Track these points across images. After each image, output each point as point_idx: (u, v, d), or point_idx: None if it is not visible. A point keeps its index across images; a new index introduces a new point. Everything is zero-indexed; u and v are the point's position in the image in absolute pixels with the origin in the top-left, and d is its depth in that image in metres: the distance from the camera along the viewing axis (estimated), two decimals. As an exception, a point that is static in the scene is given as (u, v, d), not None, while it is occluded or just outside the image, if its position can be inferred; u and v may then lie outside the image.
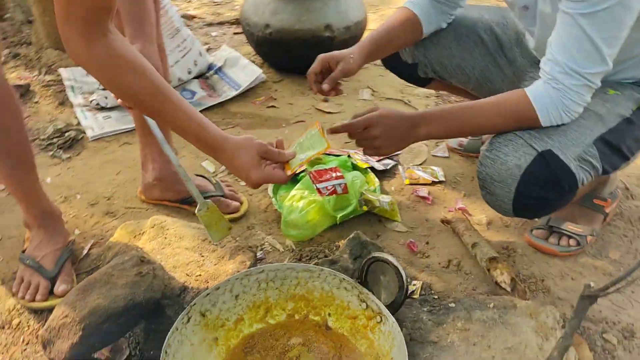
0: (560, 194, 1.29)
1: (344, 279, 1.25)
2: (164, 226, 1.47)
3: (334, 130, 1.35)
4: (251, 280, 1.27)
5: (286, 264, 1.29)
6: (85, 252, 1.58)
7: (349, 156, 1.87)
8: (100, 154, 1.96)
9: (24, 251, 1.46)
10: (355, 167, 1.84)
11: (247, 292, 1.27)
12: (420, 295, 1.45)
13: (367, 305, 1.23)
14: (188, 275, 1.34)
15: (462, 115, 1.33)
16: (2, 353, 1.29)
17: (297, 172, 1.26)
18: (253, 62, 2.50)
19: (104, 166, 1.90)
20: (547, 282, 1.47)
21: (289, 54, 2.31)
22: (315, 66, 1.51)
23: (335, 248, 1.56)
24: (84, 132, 2.03)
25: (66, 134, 1.96)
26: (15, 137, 1.34)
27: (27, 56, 2.35)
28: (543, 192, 1.27)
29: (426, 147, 2.01)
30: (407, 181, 1.85)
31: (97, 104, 2.11)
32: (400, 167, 1.91)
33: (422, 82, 1.81)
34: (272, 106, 2.25)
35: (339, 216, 1.61)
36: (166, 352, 1.10)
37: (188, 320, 1.17)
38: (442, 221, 1.68)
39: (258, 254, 1.57)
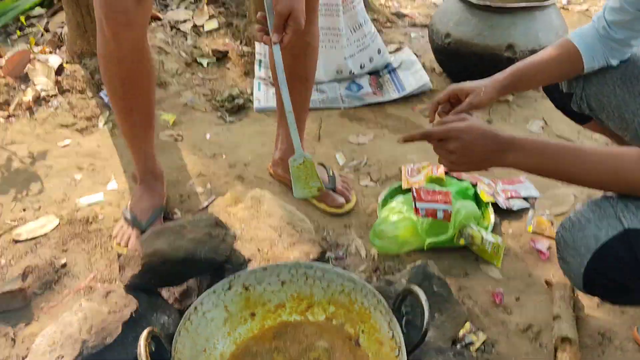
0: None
1: (380, 301, 1.23)
2: (261, 200, 1.59)
3: (409, 138, 1.29)
4: (299, 272, 1.32)
5: (335, 267, 1.30)
6: (205, 204, 1.79)
7: (474, 185, 1.76)
8: (257, 124, 2.16)
9: (126, 207, 1.69)
10: (476, 198, 1.73)
11: (294, 282, 1.33)
12: (478, 349, 1.34)
13: (392, 335, 1.19)
14: (259, 250, 1.44)
15: (562, 155, 1.15)
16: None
17: None
18: (433, 69, 2.47)
19: (255, 135, 2.10)
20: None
21: (464, 67, 2.23)
22: (441, 96, 1.48)
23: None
24: (252, 102, 2.25)
25: (235, 100, 2.21)
26: (143, 98, 1.56)
27: (237, 27, 2.67)
28: (621, 275, 1.07)
29: (573, 197, 1.79)
30: (530, 228, 1.68)
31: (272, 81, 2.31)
32: (531, 211, 1.74)
33: (580, 119, 1.60)
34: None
35: (427, 241, 1.55)
36: (196, 308, 1.22)
37: (229, 288, 1.28)
38: (546, 282, 1.50)
39: (339, 253, 1.61)
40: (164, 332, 1.24)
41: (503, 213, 1.72)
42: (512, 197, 1.77)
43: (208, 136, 2.10)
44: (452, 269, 1.55)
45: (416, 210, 1.57)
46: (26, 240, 1.68)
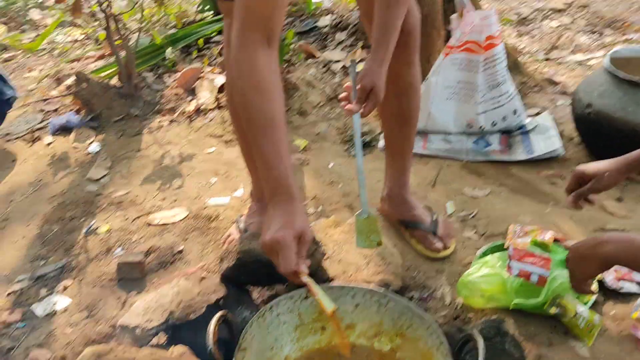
0: None
1: (443, 342, 1.24)
2: (358, 229, 1.68)
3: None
4: (373, 299, 1.37)
5: (405, 300, 1.34)
6: (312, 224, 1.92)
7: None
8: (378, 161, 2.21)
9: (242, 215, 1.85)
10: (582, 272, 1.65)
11: (367, 308, 1.38)
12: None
13: (448, 379, 1.20)
14: (344, 272, 1.53)
15: None
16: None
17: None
18: (571, 138, 2.39)
19: (373, 171, 2.17)
20: None
21: (603, 140, 2.14)
22: (570, 184, 1.51)
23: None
24: (377, 141, 2.37)
25: (363, 137, 2.34)
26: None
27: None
28: None
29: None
30: (635, 315, 1.56)
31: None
32: (641, 298, 1.62)
33: None
34: (554, 183, 2.14)
35: (514, 301, 1.51)
36: (271, 308, 1.34)
37: (306, 298, 1.37)
38: (638, 373, 1.39)
39: (424, 295, 1.63)
40: (242, 326, 1.38)
41: (609, 293, 1.62)
42: (623, 279, 1.65)
43: (331, 165, 2.24)
44: (536, 335, 1.50)
45: (509, 268, 1.54)
46: (157, 225, 1.94)
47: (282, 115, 1.20)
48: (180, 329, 1.30)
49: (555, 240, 1.76)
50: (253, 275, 1.46)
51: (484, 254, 1.75)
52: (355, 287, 1.39)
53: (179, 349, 1.25)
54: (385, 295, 1.37)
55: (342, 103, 1.53)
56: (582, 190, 1.47)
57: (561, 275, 1.54)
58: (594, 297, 1.57)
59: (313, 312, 1.39)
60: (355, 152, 1.49)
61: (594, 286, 1.59)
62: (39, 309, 1.62)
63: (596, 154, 2.25)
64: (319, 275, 1.50)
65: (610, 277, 1.65)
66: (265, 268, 1.43)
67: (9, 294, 1.69)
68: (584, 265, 1.21)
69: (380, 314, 1.38)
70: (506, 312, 1.55)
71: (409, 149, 1.84)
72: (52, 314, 1.60)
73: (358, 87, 1.48)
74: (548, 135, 2.30)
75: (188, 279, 1.41)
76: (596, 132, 2.14)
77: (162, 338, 1.30)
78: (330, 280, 1.50)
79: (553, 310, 1.50)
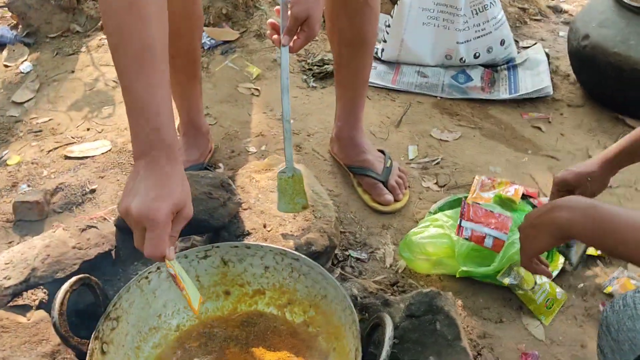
0: None
1: (355, 321, 1.01)
2: (290, 174, 1.43)
3: None
4: (284, 261, 1.15)
5: (320, 267, 1.11)
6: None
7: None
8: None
9: None
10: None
11: (278, 271, 1.16)
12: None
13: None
14: (264, 226, 1.29)
15: (626, 228, 0.84)
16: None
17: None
18: (567, 75, 2.08)
19: (332, 107, 1.90)
20: None
21: (599, 78, 1.83)
22: (553, 194, 1.26)
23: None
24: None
25: (325, 66, 2.04)
26: (187, 43, 1.44)
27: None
28: None
29: (685, 268, 1.37)
30: (608, 289, 1.32)
31: (375, 54, 2.10)
32: (619, 269, 1.37)
33: None
34: (539, 128, 1.85)
35: (460, 269, 1.28)
36: (159, 268, 1.11)
37: (205, 257, 1.15)
38: (600, 361, 1.16)
39: (362, 255, 1.40)
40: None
41: (582, 263, 1.38)
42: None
43: (284, 98, 1.96)
44: (485, 309, 1.27)
45: (459, 229, 1.30)
46: (75, 157, 1.70)
47: (164, 45, 0.91)
48: (51, 292, 1.08)
49: (525, 196, 1.51)
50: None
51: (440, 210, 1.50)
52: (265, 246, 1.16)
53: (38, 314, 1.04)
54: (298, 258, 1.14)
55: (269, 31, 1.24)
56: None
57: (522, 240, 1.30)
58: (560, 268, 1.34)
59: (215, 274, 1.17)
60: (281, 93, 1.22)
61: (559, 261, 1.34)
62: None
63: (591, 95, 1.95)
64: (232, 230, 1.27)
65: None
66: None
67: None
68: (533, 237, 0.96)
69: (294, 280, 1.16)
70: (453, 280, 1.32)
71: (363, 82, 1.55)
72: None
73: (289, 12, 1.19)
74: (537, 70, 1.99)
75: (68, 228, 1.18)
76: (592, 69, 1.83)
77: (27, 299, 1.09)
78: (246, 234, 1.26)
79: (507, 281, 1.26)
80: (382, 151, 1.62)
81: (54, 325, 0.92)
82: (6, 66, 2.20)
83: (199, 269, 1.15)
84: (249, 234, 1.27)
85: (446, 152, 1.73)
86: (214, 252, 1.16)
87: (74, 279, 0.96)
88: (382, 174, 1.54)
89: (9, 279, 1.06)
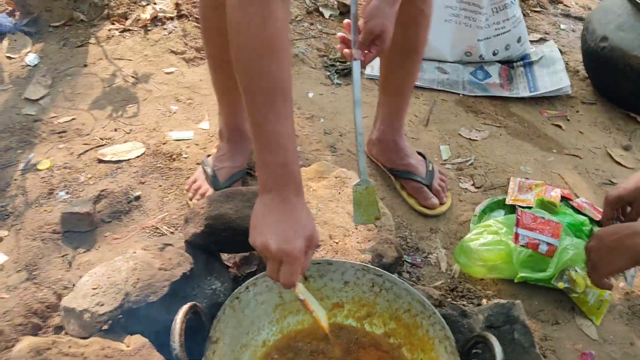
0: None
1: (449, 337, 1.07)
2: (345, 182, 1.45)
3: None
4: (366, 277, 1.18)
5: (405, 283, 1.15)
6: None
7: (594, 221, 1.51)
8: (365, 92, 2.00)
9: (209, 155, 1.59)
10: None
11: (358, 286, 1.20)
12: (547, 414, 1.16)
13: (452, 379, 1.04)
14: (330, 237, 1.32)
15: None
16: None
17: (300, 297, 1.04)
18: (576, 72, 2.17)
19: (362, 105, 1.94)
20: None
21: (616, 79, 1.92)
22: (607, 214, 1.36)
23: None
24: (365, 67, 2.08)
25: (349, 63, 2.05)
26: None
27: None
28: None
29: None
30: (648, 287, 1.43)
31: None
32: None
33: None
34: (559, 125, 1.94)
35: (519, 275, 1.35)
36: (247, 288, 1.13)
37: (288, 274, 1.17)
38: (650, 357, 1.27)
39: (417, 259, 1.46)
40: (212, 300, 1.18)
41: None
42: None
43: (311, 95, 1.97)
44: (541, 312, 1.35)
45: (516, 236, 1.37)
46: (109, 161, 1.66)
47: (291, 80, 0.97)
48: (137, 316, 1.08)
49: (563, 198, 1.59)
50: (224, 243, 1.23)
51: (483, 212, 1.57)
52: (346, 263, 1.19)
53: (136, 340, 1.04)
54: (381, 274, 1.18)
55: (339, 45, 1.25)
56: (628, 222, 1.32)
57: (573, 245, 1.38)
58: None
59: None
60: (354, 106, 1.23)
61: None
62: (-32, 266, 1.37)
63: (605, 94, 2.05)
64: (302, 242, 1.28)
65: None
66: (240, 236, 1.20)
67: None
68: (611, 258, 1.03)
69: (374, 294, 1.20)
70: (507, 283, 1.40)
71: (409, 88, 1.58)
72: (-17, 273, 1.36)
73: (360, 23, 1.19)
74: (554, 69, 2.06)
75: (147, 248, 1.18)
76: (609, 71, 1.92)
77: (115, 325, 1.09)
78: (317, 247, 1.29)
79: (561, 284, 1.34)
80: (421, 154, 1.66)
81: (176, 358, 0.93)
82: (9, 58, 2.10)
83: (281, 285, 1.18)
84: (318, 246, 1.29)
85: (477, 152, 1.79)
86: (296, 269, 1.18)
87: (185, 307, 0.97)
88: (426, 178, 1.59)
89: (102, 305, 1.05)
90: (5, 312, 1.25)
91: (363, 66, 1.24)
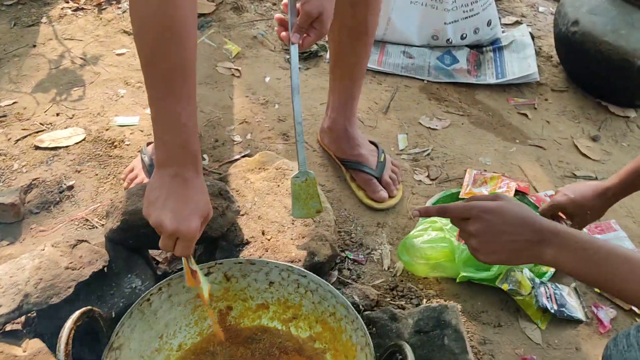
0: None
1: (368, 344, 1.00)
2: (285, 174, 1.38)
3: (424, 214, 1.04)
4: (291, 277, 1.11)
5: (329, 286, 1.08)
6: (236, 157, 1.61)
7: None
8: (325, 78, 1.90)
9: (149, 143, 1.52)
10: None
11: (283, 287, 1.13)
12: None
13: (370, 389, 0.97)
14: (262, 233, 1.25)
15: (616, 264, 0.83)
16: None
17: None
18: (550, 57, 2.07)
19: (318, 90, 1.86)
20: None
21: (586, 67, 1.83)
22: (546, 210, 1.27)
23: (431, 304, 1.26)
24: (327, 51, 1.99)
25: (313, 47, 1.96)
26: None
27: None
28: None
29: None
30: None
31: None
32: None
33: None
34: (525, 114, 1.85)
35: (460, 275, 1.28)
36: (160, 289, 1.06)
37: (207, 274, 1.10)
38: (595, 365, 1.21)
39: (360, 256, 1.38)
40: (131, 300, 1.11)
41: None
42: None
43: (267, 79, 1.88)
44: (483, 313, 1.29)
45: (459, 234, 1.29)
46: (46, 148, 1.59)
47: (194, 61, 0.95)
48: (43, 319, 1.02)
49: (518, 192, 1.52)
50: (144, 238, 1.16)
51: (434, 205, 1.49)
52: (270, 263, 1.12)
53: (34, 345, 0.98)
54: (305, 274, 1.11)
55: (276, 27, 1.16)
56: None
57: (520, 244, 1.30)
58: (552, 270, 1.36)
59: (217, 290, 1.13)
60: (292, 93, 1.14)
61: None
62: None
63: (575, 81, 1.95)
64: (231, 239, 1.22)
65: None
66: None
67: None
68: (509, 251, 0.92)
69: (300, 295, 1.13)
70: (451, 283, 1.33)
71: (361, 73, 1.49)
72: None
73: (298, 5, 1.11)
74: (524, 54, 1.97)
75: (57, 245, 1.11)
76: (580, 57, 1.82)
77: (16, 326, 1.03)
78: (245, 243, 1.22)
79: (505, 286, 1.27)
80: (374, 143, 1.58)
81: (60, 367, 0.87)
82: (-43, 37, 2.01)
83: (204, 285, 1.11)
84: (248, 242, 1.22)
85: (436, 142, 1.71)
86: (216, 269, 1.11)
87: (76, 314, 0.90)
88: (377, 170, 1.51)
89: (0, 306, 0.99)
90: None
91: (300, 50, 1.15)
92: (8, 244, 1.34)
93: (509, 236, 0.88)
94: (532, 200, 1.50)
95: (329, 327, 1.10)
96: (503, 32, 2.09)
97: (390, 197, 1.50)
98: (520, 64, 1.93)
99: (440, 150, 1.69)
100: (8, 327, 1.05)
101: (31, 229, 1.38)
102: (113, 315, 1.09)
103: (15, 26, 2.04)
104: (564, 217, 1.25)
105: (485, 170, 1.60)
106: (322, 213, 1.27)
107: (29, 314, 1.03)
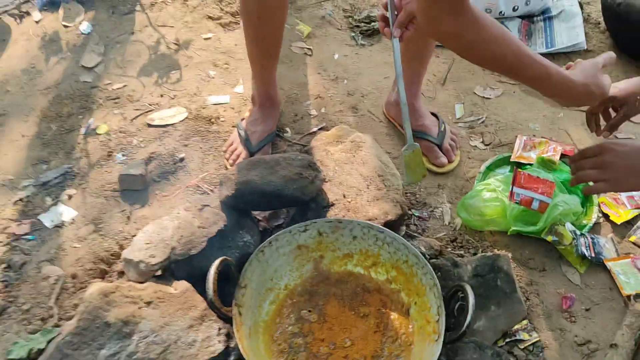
0: None
1: (436, 284, 1.28)
2: (360, 145, 1.63)
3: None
4: (371, 233, 1.39)
5: (402, 239, 1.35)
6: (314, 129, 1.88)
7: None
8: (387, 53, 2.12)
9: (243, 119, 1.79)
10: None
11: (365, 240, 1.41)
12: (526, 348, 1.36)
13: (438, 320, 1.25)
14: (344, 196, 1.52)
15: None
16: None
17: None
18: (597, 23, 2.20)
19: (381, 65, 2.08)
20: None
21: (633, 37, 1.97)
22: (595, 108, 1.43)
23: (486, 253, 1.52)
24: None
25: (372, 23, 2.17)
26: (275, 28, 1.59)
27: None
28: None
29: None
30: (633, 238, 1.58)
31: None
32: (644, 221, 1.62)
33: None
34: (572, 82, 2.02)
35: (511, 229, 1.52)
36: (270, 243, 1.36)
37: (304, 230, 1.40)
38: (626, 299, 1.44)
39: (424, 214, 1.64)
40: (244, 251, 1.41)
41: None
42: (638, 207, 1.62)
43: (336, 56, 2.11)
44: (530, 260, 1.53)
45: (511, 194, 1.53)
46: (157, 126, 1.90)
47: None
48: (182, 265, 1.34)
49: (564, 155, 1.72)
50: (253, 204, 1.46)
51: (489, 169, 1.72)
52: (354, 221, 1.40)
53: (182, 285, 1.30)
54: (383, 230, 1.38)
55: (380, 23, 1.38)
56: (615, 121, 1.43)
57: (563, 202, 1.53)
58: (594, 221, 1.58)
59: (312, 243, 1.42)
60: (396, 79, 1.36)
61: (593, 214, 1.58)
62: (47, 220, 1.66)
63: (622, 48, 2.10)
64: (319, 201, 1.50)
65: (621, 199, 1.63)
66: (265, 198, 1.43)
67: (16, 202, 1.72)
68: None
69: (377, 247, 1.41)
70: (503, 235, 1.57)
71: (430, 54, 1.71)
72: (59, 226, 1.64)
73: (396, 1, 1.32)
74: (572, 24, 2.12)
75: (188, 209, 1.41)
76: (626, 27, 1.97)
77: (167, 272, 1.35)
78: (330, 205, 1.50)
79: (550, 238, 1.51)
80: (435, 115, 1.81)
81: (210, 302, 1.20)
82: (65, 26, 2.32)
83: (300, 240, 1.40)
84: (332, 204, 1.50)
85: (489, 110, 1.92)
86: (311, 227, 1.40)
87: (217, 261, 1.22)
88: (438, 138, 1.75)
89: (154, 257, 1.31)
90: (77, 259, 1.55)
91: (401, 41, 1.35)
92: (140, 207, 1.67)
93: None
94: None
95: (403, 272, 1.38)
96: (553, 1, 2.23)
97: (450, 162, 1.74)
98: (569, 33, 2.09)
99: (494, 118, 1.90)
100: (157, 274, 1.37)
101: (156, 194, 1.70)
102: (235, 263, 1.40)
103: (113, 14, 2.32)
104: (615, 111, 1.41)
105: (534, 136, 1.81)
106: (392, 180, 1.54)
107: (173, 263, 1.35)
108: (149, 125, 1.90)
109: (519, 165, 1.68)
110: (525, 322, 1.39)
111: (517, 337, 1.37)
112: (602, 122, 1.47)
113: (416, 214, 1.64)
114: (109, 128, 1.91)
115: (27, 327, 1.37)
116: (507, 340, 1.36)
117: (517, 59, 1.14)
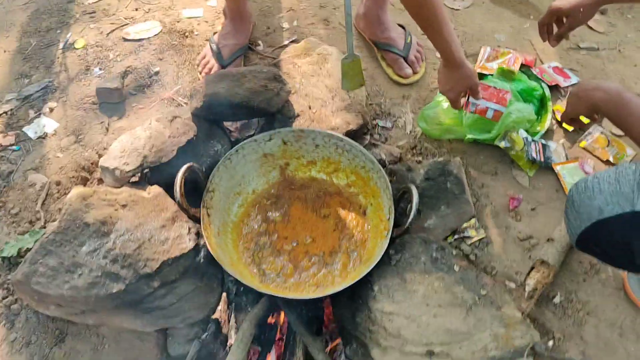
0: (628, 261, 1.13)
1: (388, 187, 1.39)
2: (326, 58, 1.70)
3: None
4: (332, 141, 1.49)
5: (360, 147, 1.45)
6: (285, 42, 1.92)
7: (549, 87, 1.72)
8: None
9: (215, 33, 1.83)
10: (542, 101, 1.71)
11: (326, 148, 1.51)
12: (472, 244, 1.50)
13: (389, 218, 1.37)
14: (309, 107, 1.60)
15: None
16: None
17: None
18: None
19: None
20: (590, 320, 1.36)
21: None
22: (544, 18, 1.54)
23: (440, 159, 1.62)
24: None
25: None
26: None
27: None
28: (610, 249, 1.13)
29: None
30: (583, 143, 1.67)
31: None
32: (594, 126, 1.70)
33: None
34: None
35: (467, 137, 1.62)
36: (237, 151, 1.46)
37: (270, 139, 1.49)
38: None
39: (388, 123, 1.73)
40: (214, 159, 1.52)
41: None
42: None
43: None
44: (484, 165, 1.64)
45: (467, 104, 1.60)
46: (132, 40, 1.94)
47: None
48: (155, 172, 1.44)
49: (524, 65, 1.78)
50: (221, 115, 1.54)
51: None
52: (315, 130, 1.49)
53: (154, 189, 1.41)
54: (342, 139, 1.47)
55: None
56: (561, 31, 1.53)
57: (517, 110, 1.61)
58: (546, 127, 1.67)
59: (277, 151, 1.52)
60: None
61: (546, 121, 1.67)
62: (31, 131, 1.75)
63: None
64: (285, 112, 1.58)
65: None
66: (232, 109, 1.51)
67: (0, 115, 1.80)
68: (575, 104, 1.28)
69: (338, 154, 1.51)
70: (460, 143, 1.67)
71: None
72: (43, 137, 1.74)
73: None
74: None
75: (159, 120, 1.50)
76: None
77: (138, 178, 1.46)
78: (296, 116, 1.58)
79: (502, 144, 1.61)
80: (402, 26, 1.85)
81: (178, 203, 1.30)
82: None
83: (266, 148, 1.50)
84: (298, 115, 1.59)
85: (457, 22, 1.96)
86: (276, 136, 1.49)
87: (184, 167, 1.33)
88: (404, 50, 1.80)
89: (128, 164, 1.41)
90: (61, 167, 1.65)
91: None
92: (117, 119, 1.75)
93: (578, 93, 1.27)
94: (534, 73, 1.77)
95: (361, 176, 1.49)
96: None
97: (415, 73, 1.81)
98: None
99: (461, 29, 1.94)
100: (132, 180, 1.48)
101: (132, 106, 1.78)
102: (203, 170, 1.51)
103: None
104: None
105: (498, 47, 1.86)
106: (356, 90, 1.61)
107: (145, 170, 1.45)
108: (125, 40, 1.95)
109: (481, 76, 1.75)
110: (473, 220, 1.51)
111: (465, 234, 1.50)
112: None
113: (380, 124, 1.73)
114: (86, 42, 1.95)
115: (16, 229, 1.50)
116: (456, 236, 1.49)
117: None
